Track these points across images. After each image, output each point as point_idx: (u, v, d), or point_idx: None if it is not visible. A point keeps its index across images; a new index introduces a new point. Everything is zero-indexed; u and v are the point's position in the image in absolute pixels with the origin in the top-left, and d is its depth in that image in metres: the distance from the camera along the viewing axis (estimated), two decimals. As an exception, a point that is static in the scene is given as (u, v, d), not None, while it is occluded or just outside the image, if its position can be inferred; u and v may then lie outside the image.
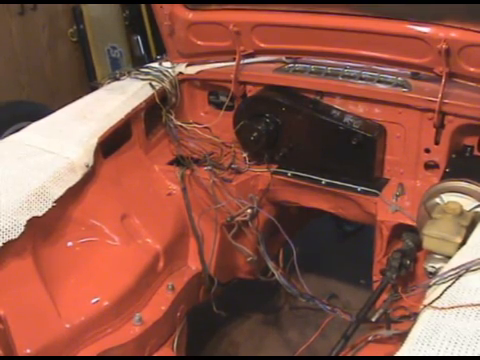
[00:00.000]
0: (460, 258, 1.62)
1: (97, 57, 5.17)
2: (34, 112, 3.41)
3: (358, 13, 2.38)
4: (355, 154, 2.49)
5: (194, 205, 2.61)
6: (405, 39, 2.29)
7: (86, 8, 5.06)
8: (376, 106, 2.48)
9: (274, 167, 2.68)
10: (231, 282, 2.86)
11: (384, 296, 2.17)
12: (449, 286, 1.50)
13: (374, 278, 2.40)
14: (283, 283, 2.52)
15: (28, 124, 2.49)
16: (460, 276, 1.52)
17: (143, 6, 5.19)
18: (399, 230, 2.31)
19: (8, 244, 1.87)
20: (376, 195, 2.43)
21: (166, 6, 2.66)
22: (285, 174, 2.65)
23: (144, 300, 2.30)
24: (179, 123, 2.78)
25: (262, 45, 2.65)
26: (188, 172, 2.61)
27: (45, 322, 1.95)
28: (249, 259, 2.64)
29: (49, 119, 2.51)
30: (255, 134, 2.60)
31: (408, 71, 2.44)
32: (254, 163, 2.69)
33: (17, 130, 2.49)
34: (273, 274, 2.54)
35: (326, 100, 2.60)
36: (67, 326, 2.00)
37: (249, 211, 2.58)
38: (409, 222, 2.26)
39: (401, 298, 2.01)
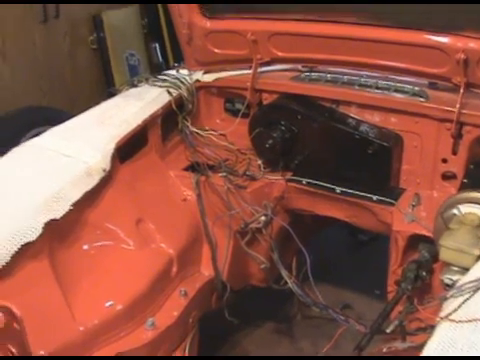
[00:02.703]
0: (478, 270, 1.58)
1: (116, 64, 5.20)
2: (54, 117, 3.42)
3: (375, 23, 2.37)
4: (371, 163, 2.46)
5: (208, 211, 2.59)
6: (423, 49, 2.26)
7: (106, 16, 5.10)
8: (393, 115, 2.45)
9: (289, 175, 2.66)
10: (244, 289, 2.83)
11: (399, 307, 2.13)
12: (467, 299, 1.46)
13: (389, 289, 2.35)
14: (296, 291, 2.49)
15: (48, 129, 2.49)
16: (478, 289, 1.49)
17: (161, 14, 5.22)
18: (415, 241, 2.27)
19: (26, 246, 1.86)
20: (392, 205, 2.39)
21: (185, 15, 2.66)
22: (300, 182, 2.63)
23: (157, 305, 2.27)
24: (195, 130, 2.77)
25: (279, 53, 2.64)
26: (203, 178, 2.59)
27: (60, 324, 1.94)
28: (262, 266, 2.61)
29: (68, 124, 2.51)
30: (270, 141, 2.58)
31: (425, 81, 2.41)
32: (269, 170, 2.67)
33: (37, 134, 2.49)
34: (286, 282, 2.51)
35: (342, 109, 2.57)
36: (81, 329, 1.99)
37: (263, 218, 2.55)
38: (425, 233, 2.22)
39: (417, 310, 1.98)
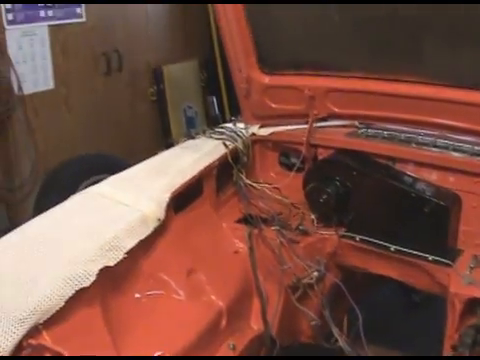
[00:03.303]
0: None
1: (174, 116, 5.32)
2: (112, 165, 3.50)
3: (434, 81, 2.36)
4: (427, 222, 2.41)
5: (260, 265, 2.56)
6: (482, 109, 2.24)
7: (167, 69, 5.26)
8: (451, 174, 2.41)
9: (342, 230, 2.63)
10: (293, 346, 2.78)
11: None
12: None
13: (444, 353, 2.26)
14: (347, 350, 2.42)
15: (106, 176, 2.54)
16: None
17: (220, 68, 5.35)
18: (473, 304, 2.18)
19: (80, 292, 1.88)
20: (449, 266, 2.32)
21: (244, 70, 2.72)
22: (353, 238, 2.59)
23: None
24: (249, 182, 2.78)
25: (336, 110, 2.65)
26: (256, 231, 2.59)
27: (108, 372, 1.94)
28: (313, 323, 2.56)
29: (126, 173, 2.56)
30: (325, 196, 2.57)
31: (485, 140, 2.38)
32: (322, 225, 2.65)
33: (96, 181, 2.54)
34: (337, 340, 2.45)
35: (399, 166, 2.55)
36: (129, 378, 1.98)
37: (315, 274, 2.51)
38: (484, 296, 2.15)
39: (474, 376, 1.89)
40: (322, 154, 2.75)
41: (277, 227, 2.56)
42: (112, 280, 2.08)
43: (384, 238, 2.51)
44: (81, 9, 4.62)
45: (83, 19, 4.64)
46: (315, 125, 2.72)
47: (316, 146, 2.75)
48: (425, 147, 2.46)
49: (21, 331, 1.68)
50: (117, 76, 4.96)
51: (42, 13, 4.39)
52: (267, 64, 2.74)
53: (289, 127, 2.84)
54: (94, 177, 3.69)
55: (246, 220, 2.67)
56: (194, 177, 2.53)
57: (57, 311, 1.81)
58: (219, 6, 2.66)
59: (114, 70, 4.91)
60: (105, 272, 1.98)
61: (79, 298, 1.88)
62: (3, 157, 4.32)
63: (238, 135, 2.82)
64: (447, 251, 2.41)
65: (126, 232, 2.12)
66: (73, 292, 1.86)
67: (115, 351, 1.96)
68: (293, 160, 2.87)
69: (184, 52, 5.54)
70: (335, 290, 2.58)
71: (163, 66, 5.28)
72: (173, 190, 2.40)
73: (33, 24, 4.35)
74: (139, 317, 2.13)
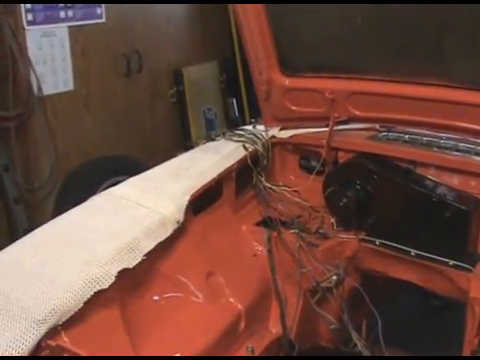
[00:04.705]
0: None
1: (193, 117, 5.34)
2: (132, 167, 3.53)
3: (457, 85, 2.34)
4: (448, 226, 2.39)
5: (279, 268, 2.57)
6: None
7: (187, 71, 5.27)
8: (472, 179, 2.39)
9: (362, 234, 2.62)
10: (311, 349, 2.77)
11: (475, 379, 2.04)
12: None
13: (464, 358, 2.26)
14: (366, 354, 2.42)
15: (126, 178, 2.57)
16: None
17: (240, 70, 5.35)
18: (493, 309, 2.18)
19: (98, 293, 1.89)
20: (469, 271, 2.30)
21: (265, 72, 2.72)
22: (373, 242, 2.58)
23: (224, 360, 2.26)
24: (269, 185, 2.79)
25: (357, 113, 2.65)
26: (275, 234, 2.59)
27: (127, 374, 1.95)
28: (332, 327, 2.54)
29: (145, 175, 2.58)
30: (345, 200, 2.57)
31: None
32: (342, 229, 2.64)
33: (115, 183, 2.57)
34: (355, 344, 2.45)
35: (420, 170, 2.54)
36: (148, 379, 1.99)
37: (334, 278, 2.50)
38: (505, 301, 2.13)
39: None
40: (342, 157, 2.74)
41: (296, 230, 2.55)
42: (131, 282, 2.10)
43: (404, 242, 2.50)
44: (101, 9, 4.64)
45: (103, 20, 4.67)
46: (336, 128, 2.72)
47: (336, 149, 2.75)
48: (447, 151, 2.45)
49: (40, 332, 1.71)
50: (137, 77, 4.98)
51: (62, 14, 4.42)
52: (288, 66, 2.75)
53: (309, 130, 2.84)
54: (114, 179, 3.70)
55: (265, 223, 2.67)
56: (213, 179, 2.54)
57: (76, 312, 1.83)
58: (239, 6, 2.66)
59: (134, 71, 4.94)
60: (124, 274, 2.00)
61: (98, 300, 1.90)
62: (23, 158, 4.36)
63: (258, 137, 2.83)
64: (468, 256, 2.39)
65: (145, 234, 2.14)
66: (92, 294, 1.88)
67: (134, 353, 1.97)
68: (313, 163, 2.87)
69: (204, 53, 5.56)
70: (354, 294, 2.58)
71: (183, 67, 5.30)
72: (192, 192, 2.41)
73: (53, 25, 4.37)
74: (157, 319, 2.15)
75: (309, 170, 2.88)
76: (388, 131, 2.68)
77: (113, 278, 1.94)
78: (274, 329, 2.54)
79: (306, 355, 2.50)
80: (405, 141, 2.58)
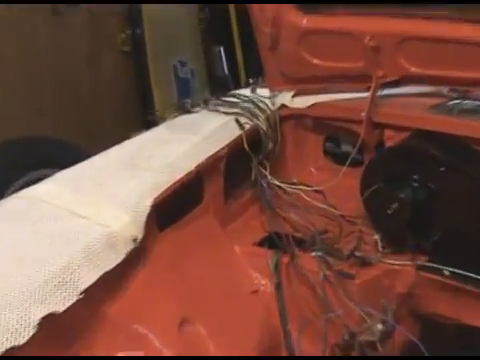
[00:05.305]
0: None
1: (157, 77, 5.33)
2: (60, 155, 3.51)
3: None
4: None
5: (292, 311, 2.59)
6: None
7: (147, 7, 5.25)
8: None
9: (422, 259, 2.63)
10: None
11: None
12: None
13: None
14: None
15: (52, 172, 2.55)
16: None
17: (231, 5, 5.34)
18: None
19: (10, 351, 1.87)
20: None
21: (269, 7, 2.71)
22: (439, 272, 2.58)
23: None
24: (277, 182, 2.81)
25: (412, 69, 2.65)
26: (286, 259, 2.60)
27: None
28: (376, 402, 2.57)
29: (83, 167, 2.58)
30: (395, 205, 2.56)
31: None
32: (390, 251, 2.65)
33: (35, 180, 2.55)
34: None
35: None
36: None
37: (379, 327, 2.51)
38: None
39: None
40: (391, 139, 2.75)
41: (319, 253, 2.55)
42: (62, 334, 2.08)
43: (487, 272, 2.52)
44: None
45: None
46: (380, 93, 2.72)
47: (382, 126, 2.77)
48: None
49: None
50: (70, 15, 4.96)
51: None
52: (305, -3, 2.76)
53: (339, 96, 2.86)
54: (33, 173, 3.69)
55: (271, 241, 2.68)
56: (190, 173, 2.55)
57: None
58: None
59: (64, 7, 4.91)
60: (51, 321, 1.97)
61: (11, 361, 1.90)
62: None
63: (259, 108, 2.85)
64: None
65: (83, 260, 2.12)
66: (3, 351, 1.86)
67: None
68: (345, 148, 2.91)
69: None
70: (411, 350, 2.58)
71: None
72: (157, 194, 2.41)
73: None
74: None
75: (339, 158, 2.91)
76: (462, 98, 2.69)
77: (34, 328, 1.91)
78: (288, 402, 2.56)
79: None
80: (489, 114, 2.59)
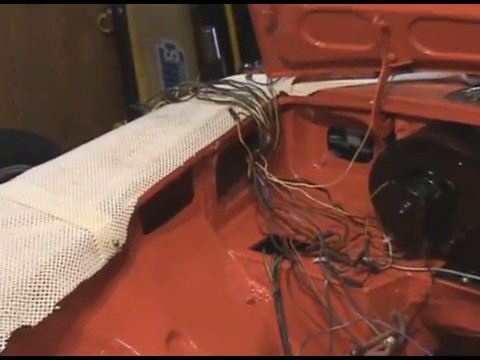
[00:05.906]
0: None
1: (141, 61, 5.34)
2: (35, 150, 3.50)
3: None
4: None
5: (293, 322, 2.60)
6: None
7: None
8: None
9: (438, 265, 2.62)
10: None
11: None
12: None
13: None
14: None
15: (24, 169, 2.55)
16: None
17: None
18: None
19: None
20: None
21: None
22: (458, 279, 2.58)
23: None
24: (275, 179, 2.82)
25: (427, 52, 2.64)
26: (286, 265, 2.61)
27: None
28: None
29: (59, 163, 2.57)
30: (408, 205, 2.56)
31: None
32: (402, 256, 2.66)
33: (5, 178, 2.55)
34: None
35: None
36: None
37: (391, 340, 2.50)
38: None
39: None
40: (404, 130, 2.75)
41: (323, 258, 2.56)
42: (34, 350, 2.07)
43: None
44: None
45: None
46: (391, 79, 2.72)
47: (393, 116, 2.76)
48: None
49: None
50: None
51: None
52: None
53: (345, 82, 2.87)
54: (2, 170, 3.69)
55: (269, 245, 2.68)
56: (178, 169, 2.55)
57: None
58: None
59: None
60: (23, 336, 1.97)
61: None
62: None
63: (256, 96, 2.84)
64: None
65: (59, 267, 2.12)
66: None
67: None
68: (352, 140, 2.91)
69: None
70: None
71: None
72: (142, 193, 2.41)
73: None
74: None
75: (345, 153, 2.92)
76: (482, 85, 2.69)
77: (3, 344, 1.90)
78: None
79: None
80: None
